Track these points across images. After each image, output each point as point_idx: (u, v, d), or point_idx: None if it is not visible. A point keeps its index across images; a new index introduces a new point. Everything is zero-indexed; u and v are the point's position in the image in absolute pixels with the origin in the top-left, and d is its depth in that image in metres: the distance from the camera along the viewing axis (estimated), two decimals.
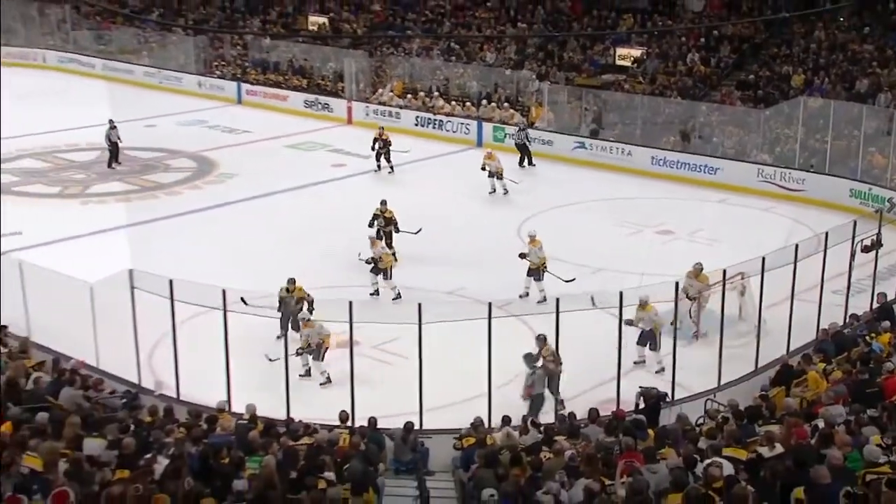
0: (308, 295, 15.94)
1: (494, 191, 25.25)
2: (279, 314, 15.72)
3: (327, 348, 14.97)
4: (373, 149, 27.12)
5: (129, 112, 32.90)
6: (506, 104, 31.48)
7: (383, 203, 20.11)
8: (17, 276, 15.05)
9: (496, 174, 25.24)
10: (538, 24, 35.45)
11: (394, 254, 19.27)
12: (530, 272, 18.08)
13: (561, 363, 13.86)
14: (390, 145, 27.06)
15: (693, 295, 16.15)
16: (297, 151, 30.36)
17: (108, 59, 42.53)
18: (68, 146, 29.85)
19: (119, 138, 27.85)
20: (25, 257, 16.59)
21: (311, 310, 15.47)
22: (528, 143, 28.57)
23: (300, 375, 14.74)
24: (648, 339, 15.25)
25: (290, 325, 15.76)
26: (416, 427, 12.83)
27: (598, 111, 29.51)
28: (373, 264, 18.20)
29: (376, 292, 18.16)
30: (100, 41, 43.99)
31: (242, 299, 14.05)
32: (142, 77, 40.92)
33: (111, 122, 27.95)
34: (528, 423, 12.15)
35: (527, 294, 17.98)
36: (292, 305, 15.74)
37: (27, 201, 24.66)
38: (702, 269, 16.41)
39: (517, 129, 29.06)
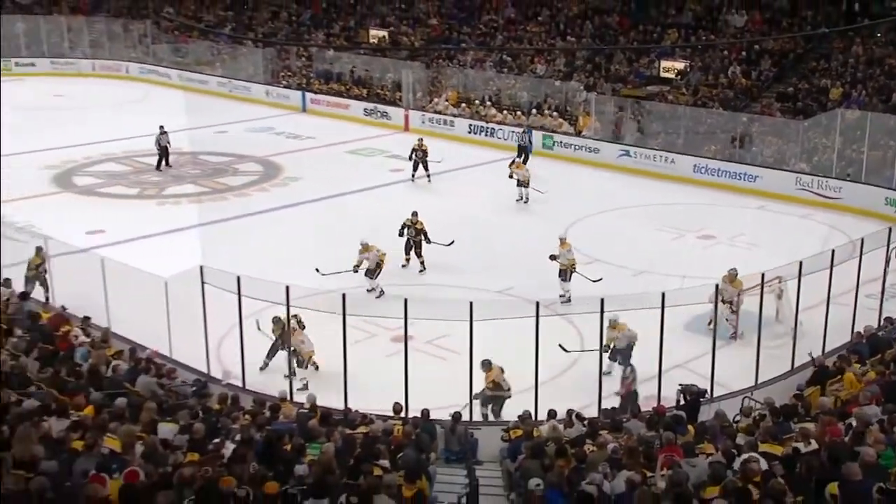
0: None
1: (521, 199, 24.81)
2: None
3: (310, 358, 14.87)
4: (410, 158, 26.96)
5: (202, 119, 33.40)
6: (555, 113, 31.35)
7: (414, 214, 19.95)
8: (100, 271, 15.31)
9: (523, 183, 24.86)
10: (586, 37, 35.24)
11: (422, 262, 19.47)
12: (560, 273, 17.91)
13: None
14: (427, 155, 26.85)
15: (728, 299, 15.94)
16: (357, 157, 30.51)
17: (183, 70, 43.14)
18: (146, 151, 30.26)
19: (168, 143, 28.23)
20: (106, 254, 16.88)
21: (300, 324, 14.99)
22: (529, 144, 29.00)
23: (301, 385, 14.51)
24: (619, 355, 14.85)
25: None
26: (466, 419, 12.85)
27: (641, 122, 29.22)
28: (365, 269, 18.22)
29: (376, 291, 18.09)
30: (177, 54, 44.64)
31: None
32: (214, 87, 41.45)
33: (161, 127, 28.38)
34: (573, 416, 12.08)
35: (567, 299, 17.76)
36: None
37: (109, 202, 25.08)
38: (736, 274, 16.22)
39: (521, 130, 29.51)
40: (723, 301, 15.87)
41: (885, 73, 28.09)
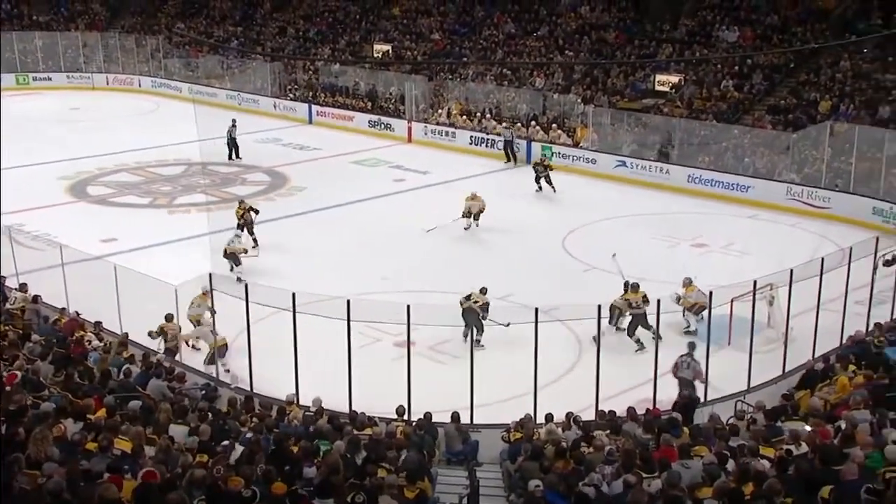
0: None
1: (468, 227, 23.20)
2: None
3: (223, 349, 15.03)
4: (535, 169, 27.20)
5: (211, 131, 33.35)
6: (553, 125, 31.38)
7: (483, 291, 16.84)
8: (112, 278, 15.33)
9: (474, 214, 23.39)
10: (584, 52, 35.28)
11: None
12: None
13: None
14: (551, 169, 26.90)
15: (687, 305, 16.59)
16: (361, 167, 30.55)
17: (194, 83, 43.27)
18: (158, 161, 30.36)
19: (236, 135, 29.93)
20: (119, 262, 16.88)
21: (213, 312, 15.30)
22: (513, 140, 30.19)
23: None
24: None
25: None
26: (467, 422, 12.84)
27: (667, 137, 28.92)
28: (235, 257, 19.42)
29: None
30: (188, 68, 44.79)
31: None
32: (224, 99, 41.54)
33: (233, 120, 30.55)
34: (572, 419, 12.08)
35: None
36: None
37: (121, 211, 25.13)
38: (690, 281, 16.75)
39: (505, 128, 30.75)
40: (688, 308, 16.40)
41: (871, 87, 28.11)
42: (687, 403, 12.35)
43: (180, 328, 15.38)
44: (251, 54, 43.38)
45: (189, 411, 11.48)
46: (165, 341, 15.32)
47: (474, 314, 15.99)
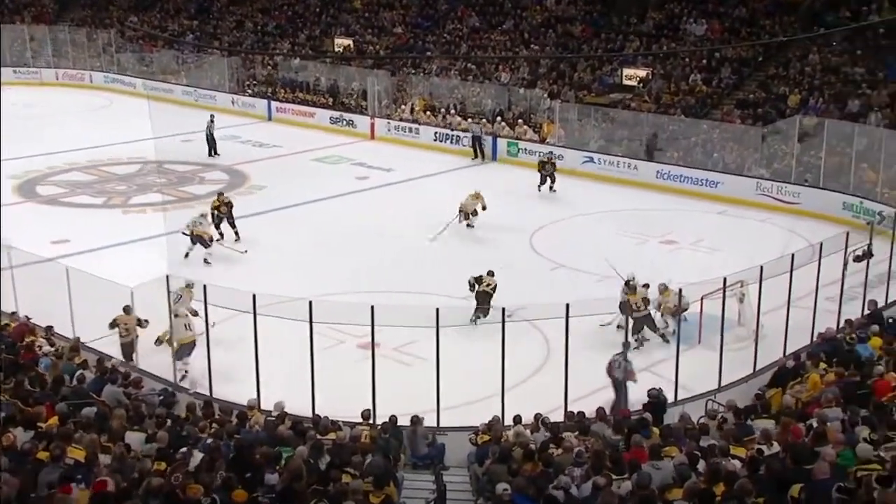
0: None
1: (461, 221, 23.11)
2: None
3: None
4: (539, 170, 26.73)
5: (167, 128, 33.13)
6: (519, 121, 31.49)
7: (490, 273, 17.89)
8: (64, 280, 15.14)
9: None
10: (550, 46, 35.42)
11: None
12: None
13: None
14: (554, 167, 26.70)
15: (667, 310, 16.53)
16: (322, 165, 30.45)
17: (148, 79, 42.84)
18: (111, 160, 30.03)
19: (213, 131, 30.44)
20: (72, 263, 16.69)
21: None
22: (482, 136, 30.46)
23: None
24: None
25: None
26: (434, 425, 12.84)
27: (654, 134, 28.84)
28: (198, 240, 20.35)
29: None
30: (142, 63, 44.32)
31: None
32: (180, 96, 41.18)
33: (211, 116, 31.09)
34: (540, 421, 12.12)
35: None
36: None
37: (73, 211, 24.84)
38: (666, 287, 16.56)
39: (474, 123, 31.21)
40: (670, 313, 16.34)
41: (840, 81, 28.50)
42: (656, 404, 12.44)
43: (139, 322, 15.26)
44: (208, 49, 43.05)
45: (146, 417, 11.38)
46: (120, 336, 15.20)
47: (488, 297, 17.04)
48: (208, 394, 13.73)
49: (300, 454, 9.89)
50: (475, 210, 22.92)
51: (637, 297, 16.23)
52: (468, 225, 22.93)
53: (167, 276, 14.16)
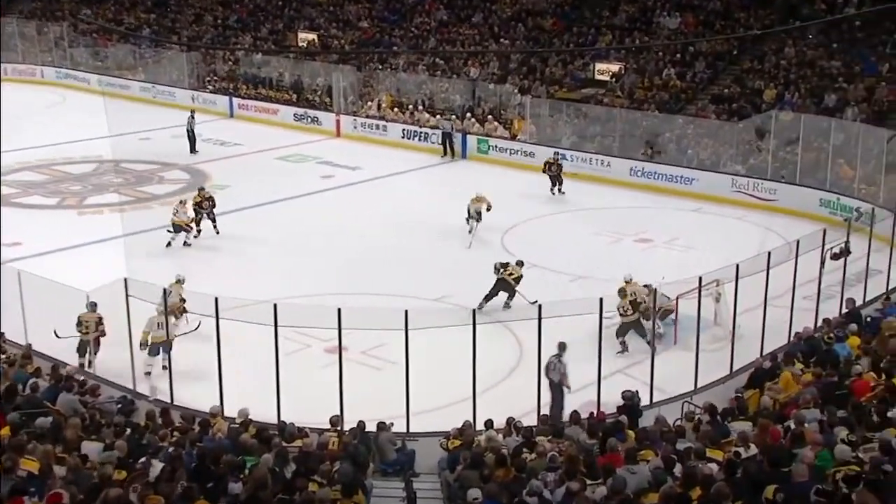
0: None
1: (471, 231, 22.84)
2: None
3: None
4: (544, 171, 26.44)
5: (124, 126, 32.86)
6: (489, 117, 31.53)
7: (519, 264, 18.32)
8: (16, 285, 14.97)
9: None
10: (520, 40, 35.52)
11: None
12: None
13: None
14: (560, 169, 26.28)
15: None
16: (286, 163, 30.34)
17: (104, 74, 42.48)
18: (65, 159, 29.74)
19: (193, 127, 31.03)
20: (24, 267, 16.50)
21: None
22: (451, 133, 30.52)
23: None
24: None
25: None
26: (404, 431, 12.83)
27: (653, 138, 28.59)
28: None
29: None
30: (96, 58, 43.95)
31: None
32: (137, 92, 40.88)
33: (192, 112, 31.52)
34: (513, 425, 12.15)
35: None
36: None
37: (26, 213, 24.56)
38: (655, 290, 16.33)
39: (445, 119, 31.26)
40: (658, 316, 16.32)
41: (816, 75, 28.82)
42: (631, 406, 12.51)
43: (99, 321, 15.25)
44: (166, 43, 42.73)
45: (103, 426, 11.28)
46: (80, 332, 15.14)
47: (508, 286, 17.59)
48: (169, 401, 13.63)
49: (265, 462, 9.85)
50: (479, 212, 22.50)
51: (625, 300, 16.27)
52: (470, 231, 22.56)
53: (125, 280, 14.03)
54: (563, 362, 13.89)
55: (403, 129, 32.68)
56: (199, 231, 22.25)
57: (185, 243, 21.83)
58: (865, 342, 13.87)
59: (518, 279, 17.83)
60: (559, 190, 26.29)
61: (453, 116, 31.89)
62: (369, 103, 34.76)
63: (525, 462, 10.20)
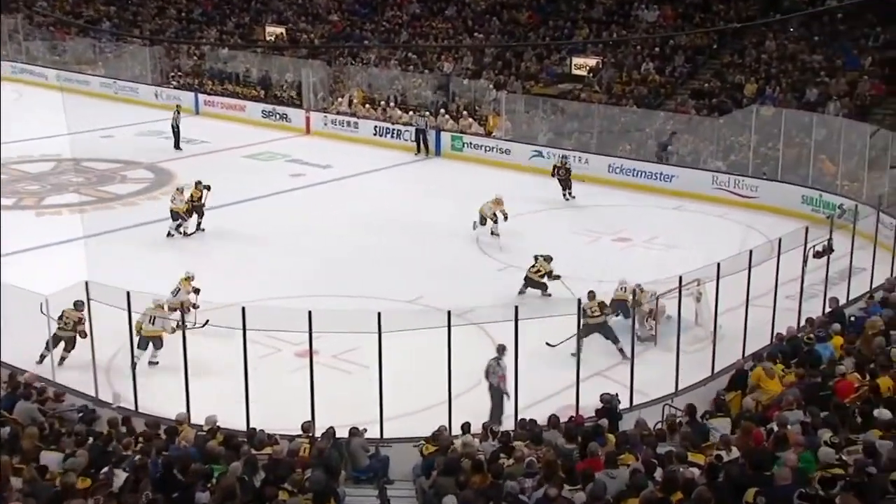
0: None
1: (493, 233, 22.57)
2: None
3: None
4: (553, 175, 26.06)
5: (84, 123, 32.62)
6: (465, 113, 31.56)
7: (547, 259, 18.68)
8: None
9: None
10: (495, 34, 35.59)
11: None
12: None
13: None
14: (569, 173, 25.87)
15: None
16: (254, 162, 30.24)
17: (62, 69, 42.11)
18: (22, 157, 29.44)
19: (179, 123, 31.35)
20: None
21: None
22: (425, 130, 30.59)
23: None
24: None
25: None
26: (377, 436, 12.83)
27: (667, 139, 28.20)
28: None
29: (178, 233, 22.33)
30: (54, 52, 43.58)
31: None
32: (97, 87, 40.58)
33: (177, 107, 31.85)
34: (489, 430, 12.17)
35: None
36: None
37: None
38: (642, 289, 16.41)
39: (419, 116, 31.22)
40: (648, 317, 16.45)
41: (798, 69, 29.06)
42: (610, 409, 12.56)
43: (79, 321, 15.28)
44: (127, 37, 42.40)
45: (64, 435, 11.19)
46: (58, 327, 15.25)
47: (534, 283, 18.23)
48: (133, 408, 13.55)
49: (233, 471, 9.82)
50: (495, 216, 22.12)
51: (594, 302, 16.29)
52: (492, 233, 22.26)
53: (86, 283, 13.95)
54: (503, 366, 13.92)
55: (375, 126, 32.64)
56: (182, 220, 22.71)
57: (184, 233, 22.48)
58: (849, 342, 14.02)
59: (544, 275, 18.28)
60: (569, 194, 25.82)
61: (427, 113, 31.87)
62: (340, 99, 34.69)
63: (502, 468, 10.22)
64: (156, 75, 40.21)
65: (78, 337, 15.39)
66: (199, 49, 40.44)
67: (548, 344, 15.26)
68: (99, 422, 12.78)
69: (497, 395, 13.98)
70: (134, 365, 14.03)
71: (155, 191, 26.64)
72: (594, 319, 16.07)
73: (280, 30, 40.66)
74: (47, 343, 15.36)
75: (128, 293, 13.25)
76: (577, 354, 14.92)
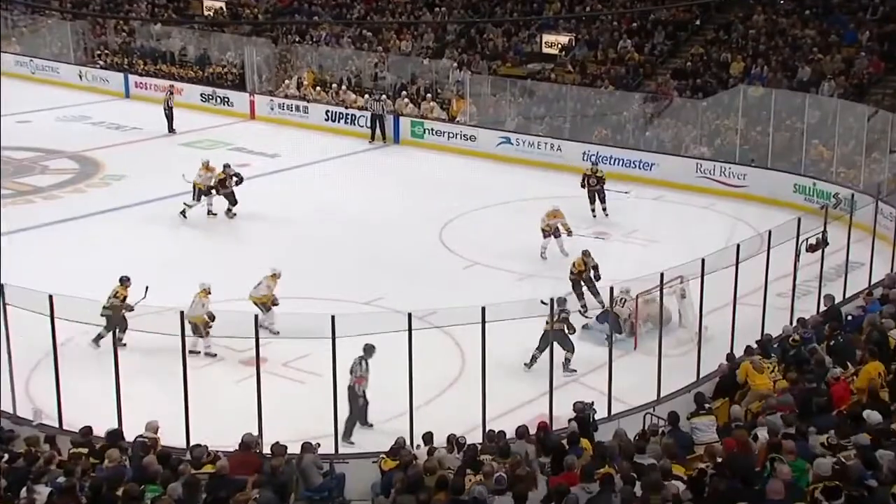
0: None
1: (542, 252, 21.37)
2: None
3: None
4: (583, 185, 23.90)
5: None
6: (427, 96, 31.56)
7: (585, 254, 18.30)
8: None
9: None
10: (458, 9, 35.62)
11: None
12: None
13: None
14: (603, 182, 23.76)
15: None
16: (193, 150, 29.99)
17: None
18: None
19: (172, 105, 31.97)
20: None
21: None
22: (382, 115, 30.72)
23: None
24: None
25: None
26: (332, 452, 12.82)
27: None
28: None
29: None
30: None
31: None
32: (12, 67, 40.04)
33: (171, 86, 32.04)
34: (454, 442, 12.20)
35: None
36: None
37: None
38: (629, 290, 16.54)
39: (374, 100, 31.28)
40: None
41: (788, 45, 29.28)
42: (583, 419, 12.63)
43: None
44: (45, 10, 41.95)
45: None
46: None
47: (580, 286, 17.84)
48: (57, 425, 13.43)
49: (172, 492, 9.78)
50: (557, 230, 20.90)
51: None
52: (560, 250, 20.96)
53: (1, 286, 13.80)
54: (364, 367, 13.99)
55: (327, 111, 32.61)
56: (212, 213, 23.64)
57: (209, 212, 23.57)
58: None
59: (581, 271, 17.96)
60: (603, 209, 23.69)
61: (383, 96, 31.82)
62: (287, 81, 34.60)
63: (464, 484, 10.23)
64: (79, 53, 39.92)
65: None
66: (128, 24, 40.15)
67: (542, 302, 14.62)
68: (17, 441, 12.64)
69: (354, 398, 13.99)
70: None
71: (80, 182, 26.41)
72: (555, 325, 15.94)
73: (219, 3, 40.45)
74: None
75: (50, 296, 13.12)
76: (530, 363, 15.07)
